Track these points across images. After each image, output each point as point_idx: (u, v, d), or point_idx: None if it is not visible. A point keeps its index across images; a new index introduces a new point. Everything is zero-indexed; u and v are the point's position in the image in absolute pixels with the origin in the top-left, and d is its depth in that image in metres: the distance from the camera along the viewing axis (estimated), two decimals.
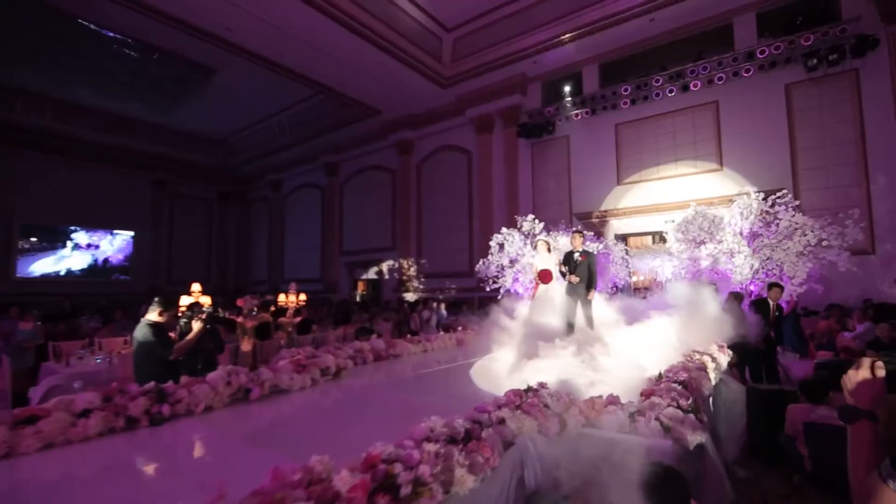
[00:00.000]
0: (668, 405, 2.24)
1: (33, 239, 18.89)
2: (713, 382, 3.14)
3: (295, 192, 22.46)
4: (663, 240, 10.69)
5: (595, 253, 6.19)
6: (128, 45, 14.04)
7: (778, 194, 6.83)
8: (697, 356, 3.40)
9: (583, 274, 5.30)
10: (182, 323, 3.64)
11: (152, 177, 21.84)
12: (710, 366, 3.35)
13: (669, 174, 11.76)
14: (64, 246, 19.54)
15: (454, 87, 14.63)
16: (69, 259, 19.65)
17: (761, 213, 6.91)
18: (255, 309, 6.24)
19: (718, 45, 11.09)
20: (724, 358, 3.90)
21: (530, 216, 9.65)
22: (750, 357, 5.11)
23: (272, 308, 7.22)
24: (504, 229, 9.77)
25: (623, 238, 11.94)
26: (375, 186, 18.56)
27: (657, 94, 11.72)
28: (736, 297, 5.49)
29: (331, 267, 19.67)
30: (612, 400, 2.45)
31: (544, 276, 5.54)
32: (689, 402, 2.30)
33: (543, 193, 13.88)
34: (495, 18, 12.70)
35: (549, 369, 3.67)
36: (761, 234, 6.69)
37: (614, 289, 9.56)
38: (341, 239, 19.77)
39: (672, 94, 11.52)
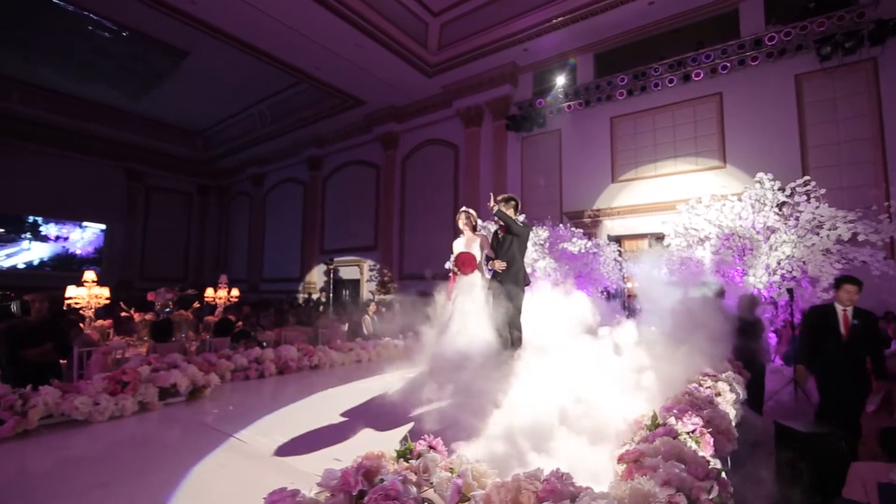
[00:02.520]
0: (670, 501, 1.05)
1: (0, 230, 17.77)
2: (735, 424, 2.09)
3: (277, 187, 21.48)
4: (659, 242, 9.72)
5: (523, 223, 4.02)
6: (92, 22, 13.10)
7: (799, 181, 5.87)
8: (709, 383, 2.35)
9: (511, 257, 3.73)
10: None
11: (127, 167, 20.77)
12: (729, 398, 2.30)
13: (668, 171, 10.83)
14: (25, 237, 18.38)
15: (441, 75, 13.72)
16: (29, 252, 18.47)
17: (778, 205, 5.92)
18: (171, 304, 5.12)
19: (723, 34, 10.20)
20: (740, 385, 2.86)
21: None
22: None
23: (196, 304, 6.12)
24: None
25: (617, 240, 10.97)
26: (359, 182, 17.64)
27: (656, 85, 10.81)
28: (751, 300, 4.48)
29: (311, 266, 18.65)
30: (555, 486, 1.13)
31: (463, 263, 3.82)
32: (715, 495, 1.12)
33: (533, 190, 12.92)
34: (485, 1, 11.79)
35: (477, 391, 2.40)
36: (778, 229, 5.72)
37: (605, 294, 8.57)
38: (322, 237, 18.78)
39: (672, 84, 10.62)
